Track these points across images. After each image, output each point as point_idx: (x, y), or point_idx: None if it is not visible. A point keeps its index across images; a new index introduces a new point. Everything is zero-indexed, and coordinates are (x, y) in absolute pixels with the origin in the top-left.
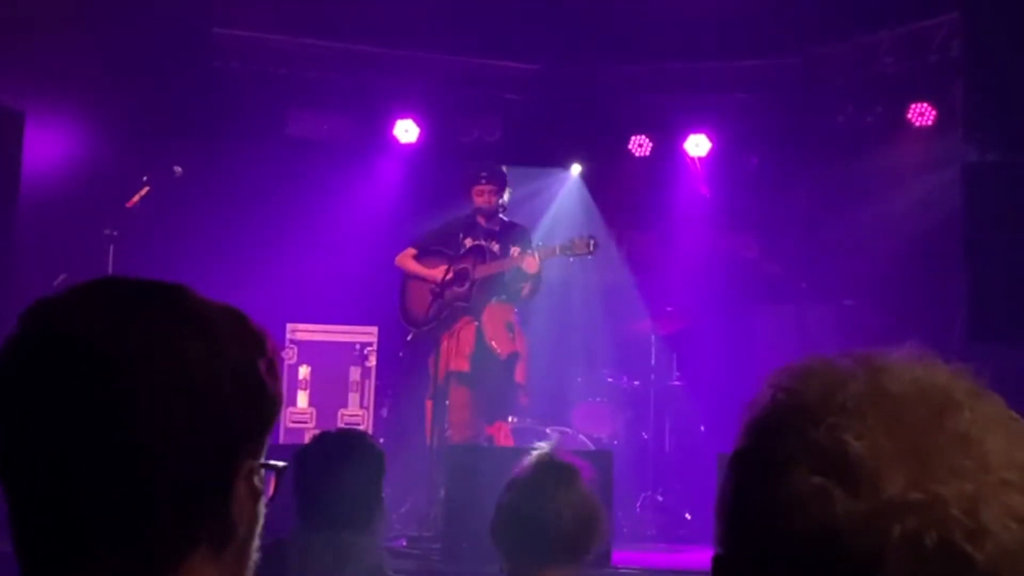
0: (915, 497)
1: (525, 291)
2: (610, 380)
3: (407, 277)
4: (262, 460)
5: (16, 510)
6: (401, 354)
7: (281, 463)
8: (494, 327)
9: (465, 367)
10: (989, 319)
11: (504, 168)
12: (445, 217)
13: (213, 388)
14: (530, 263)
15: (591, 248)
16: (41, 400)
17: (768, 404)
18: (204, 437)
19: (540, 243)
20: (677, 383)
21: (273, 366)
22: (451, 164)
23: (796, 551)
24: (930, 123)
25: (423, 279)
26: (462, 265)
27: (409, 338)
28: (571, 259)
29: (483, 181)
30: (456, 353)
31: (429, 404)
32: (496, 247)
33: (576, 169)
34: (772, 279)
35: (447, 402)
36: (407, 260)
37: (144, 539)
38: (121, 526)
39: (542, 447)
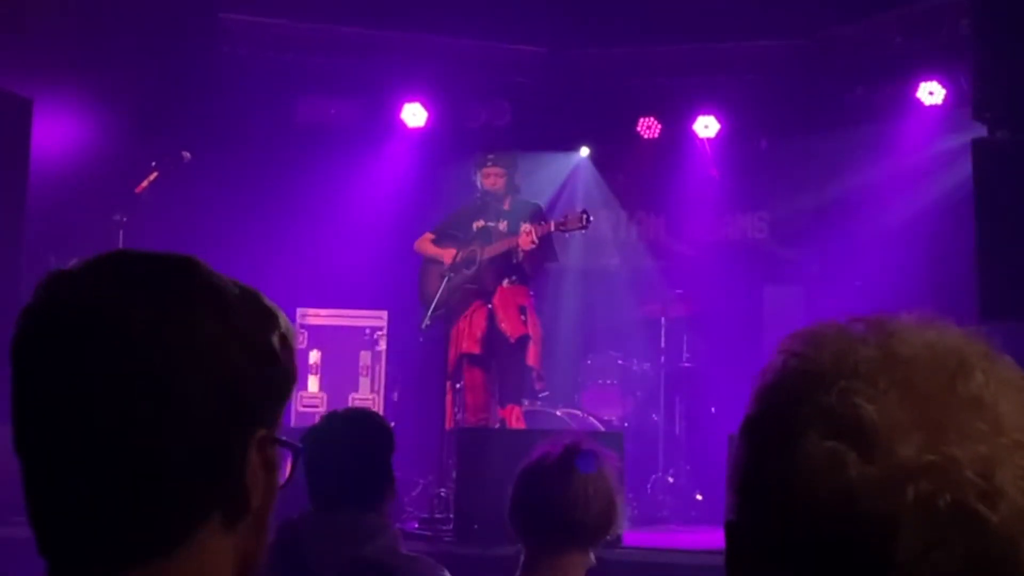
0: (929, 460)
1: (528, 269)
2: (620, 362)
3: (425, 261)
4: (276, 434)
5: (31, 482)
6: (421, 339)
7: (297, 444)
8: (505, 309)
9: (476, 349)
10: (1001, 297)
11: (513, 151)
12: (454, 200)
13: (225, 355)
14: (524, 240)
15: (584, 223)
16: (53, 369)
17: (779, 370)
18: (216, 404)
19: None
20: (687, 365)
21: (287, 341)
22: (460, 148)
23: (810, 516)
24: (940, 102)
25: (437, 261)
26: (471, 247)
27: (428, 323)
28: (567, 235)
29: (490, 164)
30: (468, 336)
31: (450, 387)
32: (504, 226)
33: (584, 151)
34: (781, 260)
35: (458, 385)
36: (425, 244)
37: (157, 505)
38: (134, 493)
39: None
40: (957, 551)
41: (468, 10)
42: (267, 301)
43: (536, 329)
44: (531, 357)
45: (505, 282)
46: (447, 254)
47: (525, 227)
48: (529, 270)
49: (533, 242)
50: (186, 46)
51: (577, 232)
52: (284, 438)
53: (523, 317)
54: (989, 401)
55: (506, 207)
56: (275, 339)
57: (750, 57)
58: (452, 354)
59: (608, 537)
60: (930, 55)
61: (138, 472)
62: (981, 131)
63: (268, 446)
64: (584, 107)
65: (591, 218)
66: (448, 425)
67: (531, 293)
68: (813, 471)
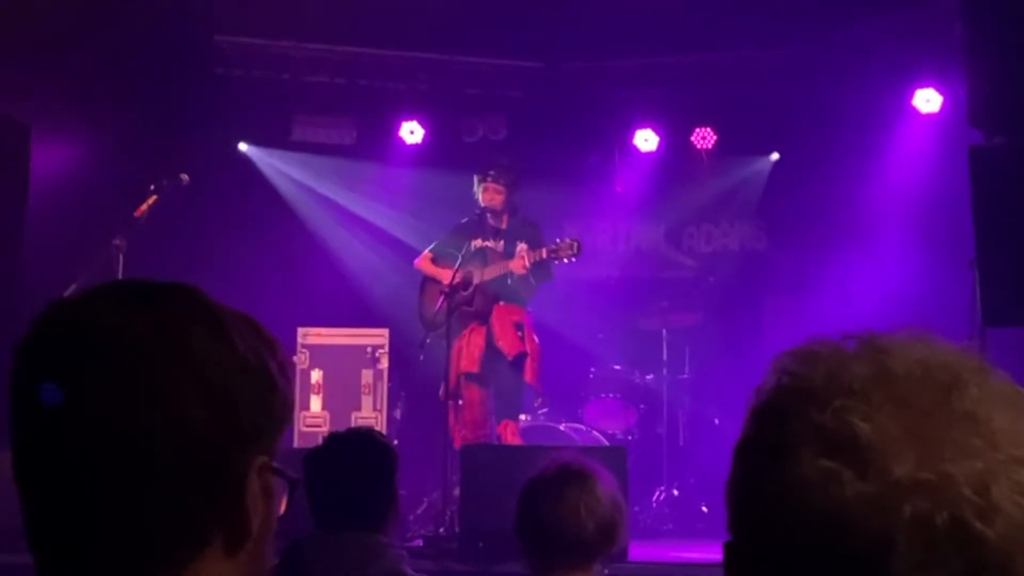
0: (924, 477)
1: (522, 291)
2: (622, 375)
3: (424, 280)
4: (274, 462)
5: (30, 508)
6: (422, 357)
7: (295, 475)
8: (502, 328)
9: (475, 368)
10: (1003, 303)
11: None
12: (453, 216)
13: (224, 380)
14: (516, 265)
15: (575, 251)
16: (52, 392)
17: (773, 389)
18: (217, 428)
19: (527, 247)
20: (689, 377)
21: (284, 369)
22: (457, 164)
23: (806, 535)
24: (937, 109)
25: (436, 281)
26: (468, 269)
27: (428, 341)
28: (556, 263)
29: (490, 179)
30: (467, 355)
31: (451, 405)
32: (501, 246)
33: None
34: (781, 269)
35: (460, 402)
36: (425, 263)
37: (157, 532)
38: (135, 517)
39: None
40: (954, 568)
41: (463, 27)
42: (265, 330)
43: (533, 346)
44: (528, 374)
45: (501, 302)
46: (445, 274)
47: (520, 251)
48: (523, 292)
49: (525, 267)
50: (182, 69)
51: (568, 260)
52: (285, 463)
53: (520, 334)
54: (983, 416)
55: (503, 226)
56: (274, 366)
57: (746, 67)
58: (452, 373)
59: (612, 552)
60: (926, 62)
61: (139, 497)
62: (978, 138)
63: (267, 473)
64: (581, 120)
65: (581, 246)
66: (457, 444)
67: (528, 311)
68: (808, 490)
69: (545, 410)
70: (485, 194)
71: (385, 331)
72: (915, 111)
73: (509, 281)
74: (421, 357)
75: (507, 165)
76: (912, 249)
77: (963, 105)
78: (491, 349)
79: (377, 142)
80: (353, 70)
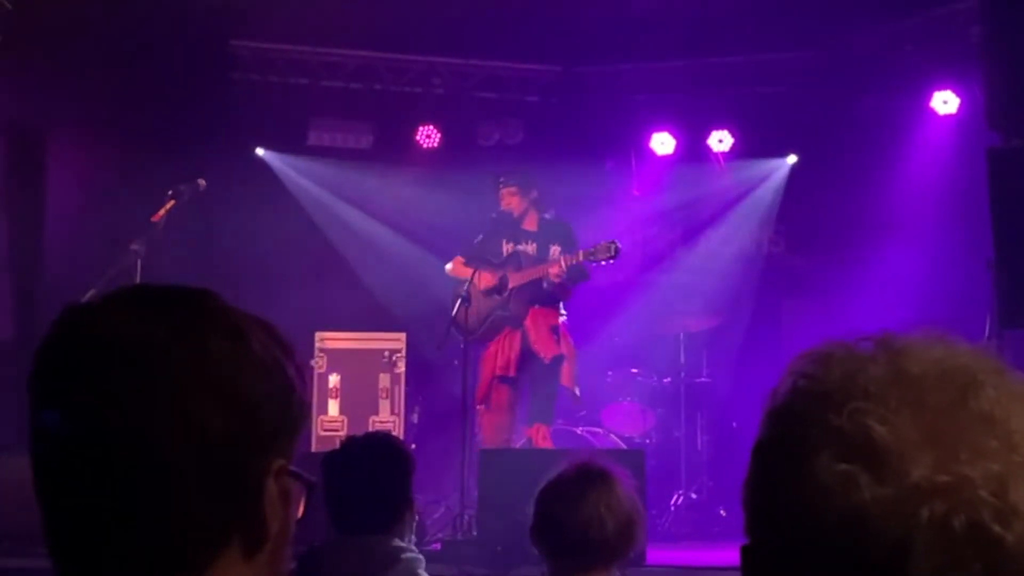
0: (942, 480)
1: (558, 293)
2: (640, 379)
3: (468, 291)
4: (291, 465)
5: (48, 512)
6: (435, 353)
7: (312, 478)
8: (537, 331)
9: (511, 372)
10: (1019, 305)
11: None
12: (469, 220)
13: (242, 383)
14: (553, 270)
15: (614, 253)
16: (70, 398)
17: (789, 391)
18: (233, 431)
19: (560, 250)
20: (707, 380)
21: (301, 372)
22: (473, 168)
23: (823, 539)
24: (954, 110)
25: (463, 282)
26: (501, 272)
27: (440, 346)
28: (594, 265)
29: (501, 185)
30: (502, 358)
31: (482, 409)
32: (533, 248)
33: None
34: (799, 272)
35: (489, 407)
36: (458, 267)
37: (175, 535)
38: (152, 522)
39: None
40: (973, 571)
41: (478, 31)
42: (281, 333)
43: (569, 348)
44: (565, 377)
45: (536, 305)
46: (469, 272)
47: (554, 256)
48: (559, 295)
49: (561, 273)
50: (199, 74)
51: (606, 262)
52: (302, 468)
53: (555, 337)
54: (1000, 417)
55: (533, 228)
56: (291, 369)
57: (763, 70)
58: (485, 377)
59: (630, 555)
60: (944, 64)
61: (157, 501)
62: (996, 139)
63: (285, 476)
64: (597, 123)
65: (620, 249)
66: (485, 446)
67: (562, 312)
68: (825, 493)
69: (583, 412)
70: (502, 200)
71: (402, 335)
72: (933, 113)
73: (545, 285)
74: (434, 354)
75: (511, 169)
76: (929, 251)
77: (981, 107)
78: (527, 353)
79: (393, 146)
80: (369, 74)
